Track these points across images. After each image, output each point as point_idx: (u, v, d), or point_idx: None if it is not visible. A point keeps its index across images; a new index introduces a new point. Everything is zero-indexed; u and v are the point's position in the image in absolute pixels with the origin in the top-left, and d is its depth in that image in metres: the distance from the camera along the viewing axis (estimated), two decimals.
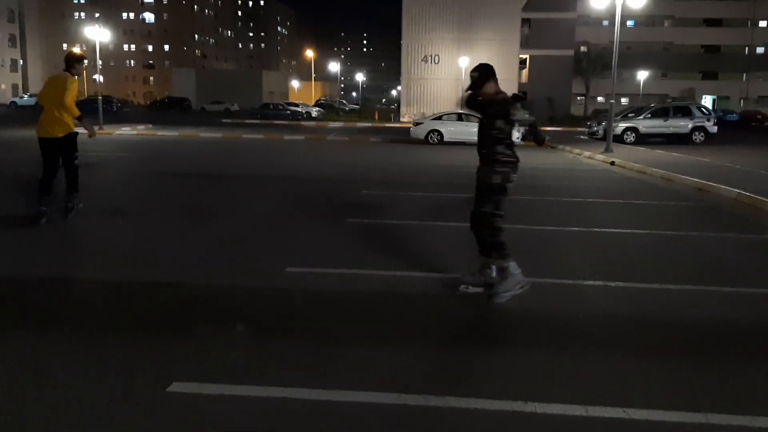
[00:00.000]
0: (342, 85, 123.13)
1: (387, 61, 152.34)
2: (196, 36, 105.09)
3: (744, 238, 7.18)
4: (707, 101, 61.11)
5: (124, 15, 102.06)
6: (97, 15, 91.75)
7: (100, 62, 31.51)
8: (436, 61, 42.82)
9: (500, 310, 4.40)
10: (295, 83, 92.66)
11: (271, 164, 14.72)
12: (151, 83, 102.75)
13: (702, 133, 23.76)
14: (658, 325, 4.18)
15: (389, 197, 9.55)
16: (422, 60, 43.03)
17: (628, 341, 3.90)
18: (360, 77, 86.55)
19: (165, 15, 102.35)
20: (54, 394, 3.02)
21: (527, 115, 4.47)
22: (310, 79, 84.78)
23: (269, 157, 16.94)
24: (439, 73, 42.68)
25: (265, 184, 11.16)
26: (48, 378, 3.18)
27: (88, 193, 7.69)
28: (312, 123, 40.90)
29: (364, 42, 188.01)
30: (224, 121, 39.31)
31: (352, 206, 8.67)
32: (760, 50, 65.01)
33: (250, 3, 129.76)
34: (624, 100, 56.76)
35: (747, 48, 64.96)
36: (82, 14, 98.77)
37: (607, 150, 18.29)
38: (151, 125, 29.96)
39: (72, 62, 6.77)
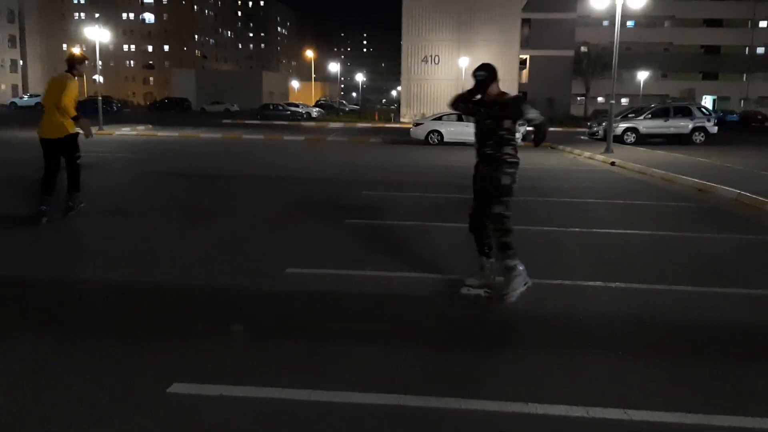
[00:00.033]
0: (342, 86, 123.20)
1: (387, 62, 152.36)
2: (196, 36, 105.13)
3: (744, 239, 7.18)
4: (707, 102, 61.13)
5: (124, 15, 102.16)
6: (97, 15, 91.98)
7: (100, 63, 31.52)
8: (436, 62, 42.81)
9: (500, 311, 4.41)
10: (295, 84, 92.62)
11: (271, 165, 14.71)
12: (151, 84, 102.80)
13: (702, 134, 23.77)
14: (658, 325, 4.18)
15: (389, 198, 9.55)
16: (422, 60, 43.01)
17: (628, 342, 3.90)
18: (360, 78, 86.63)
19: (165, 15, 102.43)
20: (54, 394, 3.02)
21: (538, 114, 4.48)
22: (310, 80, 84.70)
23: (269, 157, 16.94)
24: (439, 74, 42.66)
25: (265, 184, 11.15)
26: (48, 378, 3.18)
27: (88, 194, 7.69)
28: (312, 123, 40.92)
29: (364, 42, 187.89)
30: (224, 121, 39.30)
31: (352, 207, 8.67)
32: (760, 50, 64.99)
33: (250, 3, 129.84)
34: (624, 101, 56.80)
35: (747, 48, 64.96)
36: (82, 14, 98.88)
37: (608, 150, 18.29)
38: (151, 126, 29.98)
39: (74, 63, 6.78)
